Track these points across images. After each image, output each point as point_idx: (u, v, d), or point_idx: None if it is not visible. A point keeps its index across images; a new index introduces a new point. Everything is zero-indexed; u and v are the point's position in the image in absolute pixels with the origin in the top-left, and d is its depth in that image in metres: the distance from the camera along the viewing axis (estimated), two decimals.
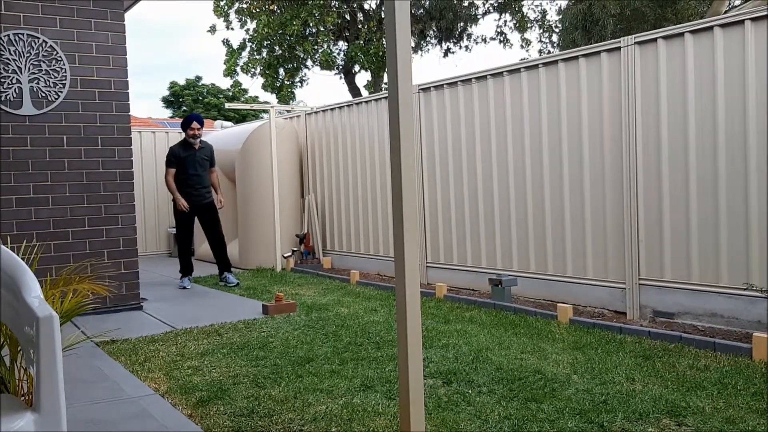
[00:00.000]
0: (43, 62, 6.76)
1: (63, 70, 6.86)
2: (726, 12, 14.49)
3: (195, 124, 8.73)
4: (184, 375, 4.77)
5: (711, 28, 5.60)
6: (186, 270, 8.86)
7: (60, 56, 6.84)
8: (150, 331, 6.21)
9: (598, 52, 6.44)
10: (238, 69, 19.84)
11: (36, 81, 6.73)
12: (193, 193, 8.71)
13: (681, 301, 5.90)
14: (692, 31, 5.72)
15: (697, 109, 5.71)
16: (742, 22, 5.40)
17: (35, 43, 6.72)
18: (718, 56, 5.55)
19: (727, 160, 5.53)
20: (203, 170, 8.84)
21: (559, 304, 6.31)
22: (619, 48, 6.25)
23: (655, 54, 5.98)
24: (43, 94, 6.78)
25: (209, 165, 8.97)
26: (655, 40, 5.98)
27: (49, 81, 6.80)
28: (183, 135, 8.98)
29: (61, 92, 6.86)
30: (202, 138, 8.94)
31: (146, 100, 72.07)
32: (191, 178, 8.70)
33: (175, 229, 8.99)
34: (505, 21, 20.20)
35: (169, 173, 8.69)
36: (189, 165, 8.68)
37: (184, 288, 8.69)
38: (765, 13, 5.27)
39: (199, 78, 44.85)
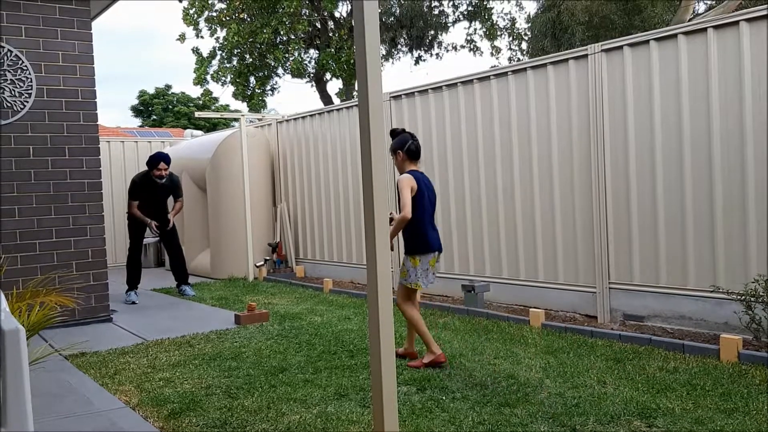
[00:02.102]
0: (8, 71, 6.66)
1: (29, 80, 6.76)
2: (690, 20, 14.79)
3: (162, 165, 8.56)
4: (155, 387, 4.71)
5: (675, 35, 5.71)
6: (133, 283, 8.68)
7: (26, 65, 6.74)
8: (120, 344, 6.13)
9: (566, 60, 6.52)
10: (209, 77, 19.71)
11: (1, 91, 6.62)
12: (151, 216, 8.69)
13: (650, 304, 5.99)
14: (657, 39, 5.82)
15: (663, 114, 5.81)
16: (704, 29, 5.51)
17: (0, 52, 6.61)
18: (682, 62, 5.66)
19: (693, 164, 5.63)
20: (164, 202, 8.84)
21: (531, 309, 6.36)
22: (586, 55, 6.34)
23: (622, 61, 6.08)
24: (9, 104, 6.67)
25: (173, 195, 8.92)
26: (621, 47, 6.08)
27: (14, 90, 6.69)
28: (149, 160, 8.74)
29: (27, 102, 6.76)
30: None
31: (115, 109, 71.37)
32: (150, 207, 8.68)
33: (146, 240, 8.90)
34: (475, 29, 20.37)
35: (132, 205, 8.64)
36: (150, 200, 8.66)
37: (133, 303, 8.40)
38: (727, 21, 5.39)
39: (168, 86, 44.52)
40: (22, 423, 2.12)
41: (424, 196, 4.99)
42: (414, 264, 4.95)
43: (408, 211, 4.83)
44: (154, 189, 8.63)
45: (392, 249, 5.15)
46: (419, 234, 4.96)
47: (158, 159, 8.59)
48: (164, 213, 8.83)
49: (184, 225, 11.28)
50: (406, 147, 5.08)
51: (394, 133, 5.21)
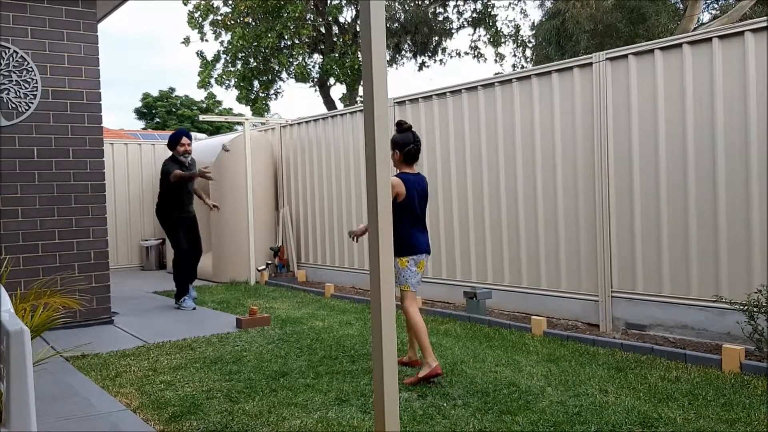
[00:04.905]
0: (14, 73, 6.68)
1: (34, 81, 6.78)
2: (694, 29, 14.80)
3: (185, 140, 8.13)
4: (156, 390, 4.71)
5: (680, 45, 5.71)
6: (185, 288, 8.17)
7: (31, 67, 6.76)
8: (121, 346, 6.13)
9: (571, 68, 6.53)
10: (213, 81, 19.75)
11: (6, 92, 6.64)
12: (185, 209, 8.20)
13: (653, 313, 5.98)
14: (662, 48, 5.83)
15: (667, 124, 5.82)
16: (710, 39, 5.52)
17: (5, 54, 6.63)
18: (687, 72, 5.67)
19: (697, 174, 5.63)
20: (192, 186, 8.36)
21: (533, 317, 6.35)
22: (591, 63, 6.34)
23: (626, 70, 6.08)
24: (13, 105, 6.68)
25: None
26: (626, 56, 6.08)
27: (19, 92, 6.71)
28: (170, 151, 8.27)
29: (32, 103, 6.77)
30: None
31: (118, 112, 71.36)
32: (185, 196, 8.17)
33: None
34: (480, 36, 20.39)
35: (174, 175, 7.86)
36: (183, 184, 8.10)
37: (193, 309, 7.98)
38: (732, 31, 5.40)
39: (172, 89, 44.57)
40: (26, 423, 2.13)
41: (413, 201, 4.91)
42: (402, 265, 4.91)
43: None
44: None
45: (356, 239, 5.23)
46: (405, 236, 4.87)
47: (179, 135, 8.15)
48: (192, 200, 8.31)
49: None
50: (405, 149, 4.95)
51: (401, 127, 5.02)
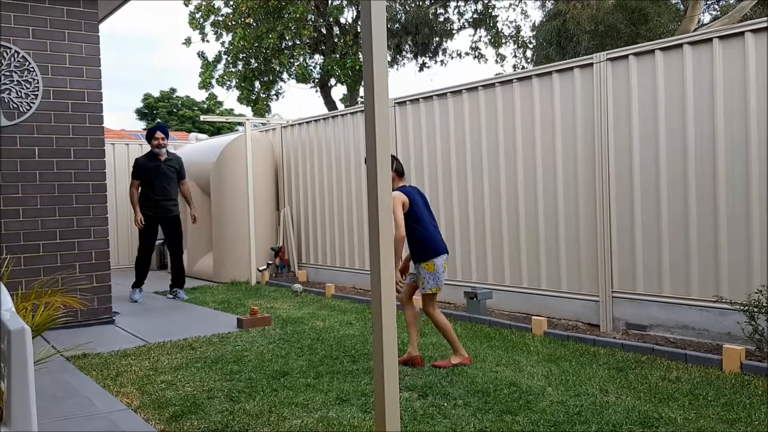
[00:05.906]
0: (15, 73, 6.68)
1: (35, 81, 6.78)
2: (695, 30, 14.80)
3: (159, 134, 8.63)
4: (157, 389, 4.71)
5: (680, 45, 5.72)
6: (139, 282, 8.75)
7: (32, 67, 6.77)
8: (122, 345, 6.13)
9: (571, 68, 6.53)
10: (214, 81, 19.76)
11: (7, 92, 6.65)
12: (159, 205, 8.62)
13: (653, 313, 5.98)
14: (662, 48, 5.83)
15: (667, 124, 5.82)
16: (710, 40, 5.52)
17: (7, 54, 6.64)
18: (688, 72, 5.67)
19: (697, 174, 5.63)
20: (169, 182, 8.70)
21: (533, 317, 6.36)
22: (591, 64, 6.35)
23: (627, 70, 6.08)
24: (15, 105, 6.69)
25: (178, 177, 8.84)
26: (626, 56, 6.09)
27: (20, 92, 6.71)
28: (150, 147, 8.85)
29: (33, 103, 6.78)
30: (171, 150, 8.85)
31: (120, 112, 71.35)
32: (156, 190, 8.59)
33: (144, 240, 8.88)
34: (480, 36, 20.40)
35: (133, 185, 8.65)
36: (154, 177, 8.58)
37: (135, 302, 8.58)
38: (732, 31, 5.40)
39: (173, 90, 44.56)
40: (26, 423, 2.13)
41: (419, 205, 5.21)
42: (429, 269, 5.12)
43: (401, 231, 5.00)
44: (158, 169, 8.57)
45: (400, 277, 5.22)
46: (424, 239, 5.13)
47: (154, 129, 8.73)
48: (169, 195, 8.72)
49: (188, 228, 11.29)
50: (394, 167, 5.23)
51: None
